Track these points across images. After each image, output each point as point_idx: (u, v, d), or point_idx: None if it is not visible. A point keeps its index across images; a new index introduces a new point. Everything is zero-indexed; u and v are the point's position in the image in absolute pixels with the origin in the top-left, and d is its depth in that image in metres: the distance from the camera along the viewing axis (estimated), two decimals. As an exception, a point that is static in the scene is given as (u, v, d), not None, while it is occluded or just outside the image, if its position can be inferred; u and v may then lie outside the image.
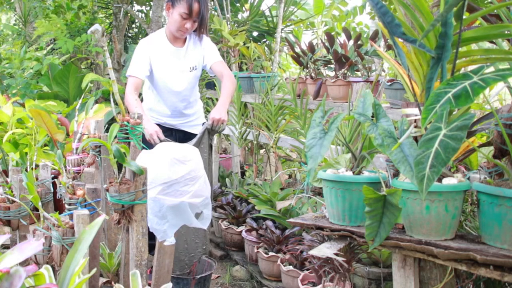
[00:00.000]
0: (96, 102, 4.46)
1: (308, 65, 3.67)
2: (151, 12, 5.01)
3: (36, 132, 3.21)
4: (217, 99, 3.70)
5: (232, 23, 5.28)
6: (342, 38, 3.50)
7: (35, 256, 1.65)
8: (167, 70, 2.94)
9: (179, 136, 3.12)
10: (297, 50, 4.09)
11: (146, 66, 2.88)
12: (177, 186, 2.08)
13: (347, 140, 1.89)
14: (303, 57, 3.72)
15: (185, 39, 2.97)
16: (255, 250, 2.92)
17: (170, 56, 2.94)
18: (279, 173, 3.39)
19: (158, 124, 2.93)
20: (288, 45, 5.10)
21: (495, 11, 1.44)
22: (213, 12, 5.17)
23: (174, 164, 2.11)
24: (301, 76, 3.75)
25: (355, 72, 3.23)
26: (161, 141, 2.67)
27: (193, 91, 3.09)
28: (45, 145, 3.39)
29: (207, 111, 4.01)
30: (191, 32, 2.91)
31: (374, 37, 3.12)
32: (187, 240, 2.82)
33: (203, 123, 3.08)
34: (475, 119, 1.45)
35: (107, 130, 2.41)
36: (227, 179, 4.00)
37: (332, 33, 3.46)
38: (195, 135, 3.01)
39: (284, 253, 2.71)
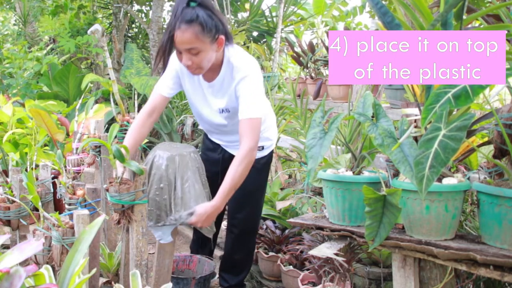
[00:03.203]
0: (96, 102, 4.46)
1: (308, 65, 3.67)
2: (151, 12, 5.01)
3: (36, 132, 3.21)
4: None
5: (232, 22, 5.28)
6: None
7: (35, 256, 1.65)
8: (194, 102, 2.24)
9: (226, 157, 2.31)
10: (297, 50, 4.10)
11: (170, 80, 2.16)
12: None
13: (347, 140, 1.89)
14: (303, 57, 3.72)
15: (219, 71, 2.08)
16: (255, 250, 2.92)
17: (198, 87, 2.18)
18: (279, 173, 3.39)
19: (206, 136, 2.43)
20: (288, 45, 5.10)
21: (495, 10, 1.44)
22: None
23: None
24: (301, 76, 3.75)
25: (355, 72, 3.22)
26: None
27: (236, 125, 2.10)
28: (45, 145, 3.39)
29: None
30: (204, 66, 1.96)
31: (374, 37, 3.11)
32: None
33: (262, 147, 2.32)
34: (475, 119, 1.45)
35: (107, 130, 2.41)
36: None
37: (333, 33, 3.46)
38: None
39: (284, 253, 2.71)
